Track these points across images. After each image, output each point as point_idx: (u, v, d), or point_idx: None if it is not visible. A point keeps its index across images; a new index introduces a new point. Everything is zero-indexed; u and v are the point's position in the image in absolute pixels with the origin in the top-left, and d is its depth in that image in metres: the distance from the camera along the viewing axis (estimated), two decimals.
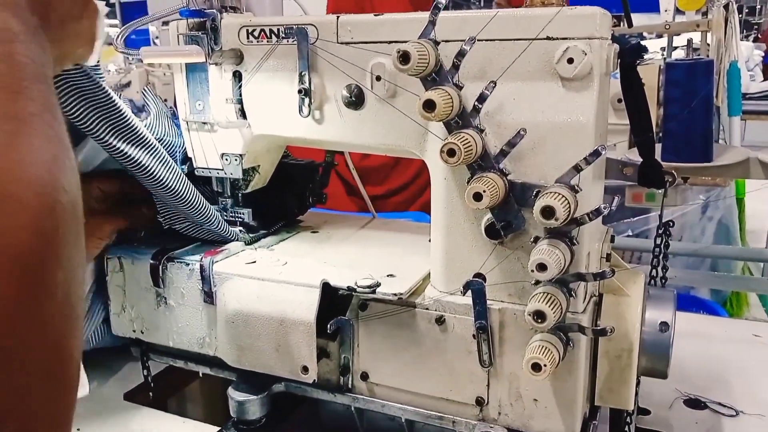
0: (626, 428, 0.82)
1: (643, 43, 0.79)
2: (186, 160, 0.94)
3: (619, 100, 2.12)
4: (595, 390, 0.76)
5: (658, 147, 1.66)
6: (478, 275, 0.73)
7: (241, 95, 0.86)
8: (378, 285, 0.75)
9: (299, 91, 0.80)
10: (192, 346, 0.88)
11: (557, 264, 0.62)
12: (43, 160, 0.33)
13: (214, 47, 0.84)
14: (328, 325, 0.77)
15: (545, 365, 0.63)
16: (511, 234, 0.70)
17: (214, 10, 0.84)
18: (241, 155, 0.89)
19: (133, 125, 0.80)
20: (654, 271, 0.92)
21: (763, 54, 4.50)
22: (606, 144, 0.71)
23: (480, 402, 0.75)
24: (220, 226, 0.90)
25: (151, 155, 0.81)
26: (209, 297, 0.84)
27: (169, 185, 0.83)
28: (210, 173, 0.92)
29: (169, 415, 0.95)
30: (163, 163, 0.83)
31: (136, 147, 0.80)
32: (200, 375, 0.95)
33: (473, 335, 0.73)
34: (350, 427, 0.86)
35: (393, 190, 1.81)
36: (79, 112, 0.75)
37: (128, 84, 3.71)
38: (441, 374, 0.76)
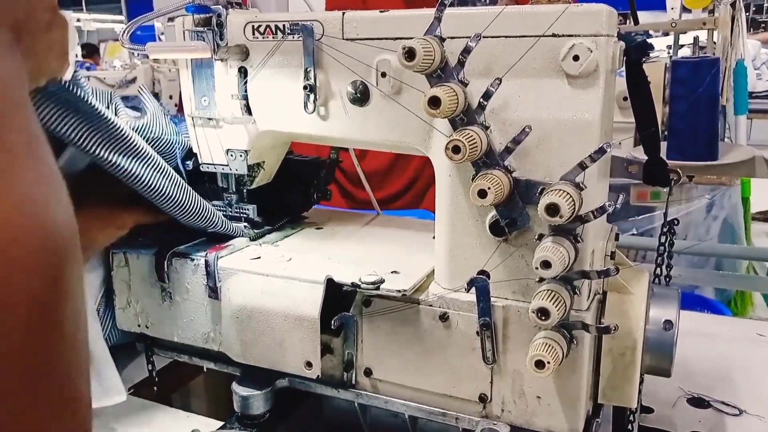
0: (629, 426, 0.82)
1: (648, 41, 0.79)
2: (189, 156, 0.94)
3: (625, 99, 2.12)
4: (598, 388, 0.76)
5: (663, 145, 1.66)
6: (482, 272, 0.73)
7: (246, 91, 0.86)
8: (382, 281, 0.75)
9: (304, 88, 0.80)
10: (196, 341, 0.89)
11: (561, 261, 0.62)
12: (40, 199, 0.32)
13: (219, 43, 0.84)
14: (332, 321, 0.77)
15: (549, 363, 0.63)
16: (516, 231, 0.70)
17: (220, 6, 0.84)
18: (246, 151, 0.89)
19: (123, 135, 0.77)
20: (658, 269, 0.91)
21: None
22: (611, 142, 0.71)
23: (483, 399, 0.75)
24: (223, 225, 0.90)
25: (144, 164, 0.79)
26: (214, 292, 0.84)
27: (166, 193, 0.81)
28: (215, 169, 0.93)
29: (174, 409, 0.96)
30: (159, 171, 0.81)
31: (128, 157, 0.78)
32: (204, 370, 0.96)
33: (477, 332, 0.73)
34: (353, 423, 0.86)
35: (391, 196, 1.81)
36: (66, 128, 0.73)
37: (133, 80, 3.72)
38: (444, 371, 0.76)
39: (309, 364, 0.79)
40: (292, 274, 0.80)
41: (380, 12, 0.76)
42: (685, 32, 3.41)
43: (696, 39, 2.17)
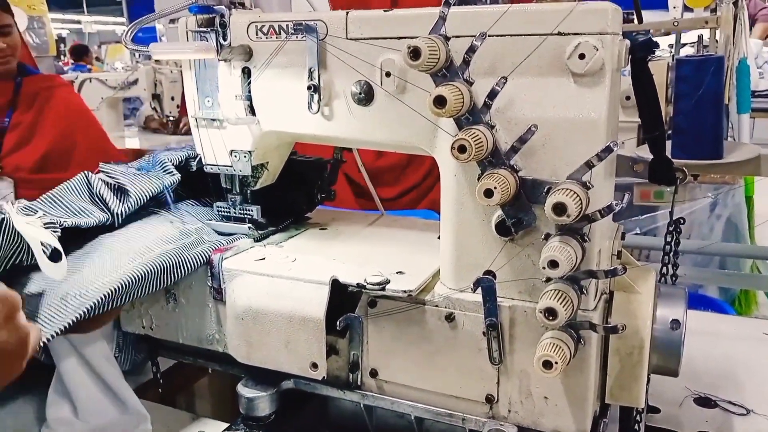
0: (636, 426, 0.82)
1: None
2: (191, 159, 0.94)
3: (628, 98, 2.12)
4: (605, 388, 0.75)
5: (668, 144, 1.65)
6: (488, 272, 0.72)
7: (250, 92, 0.86)
8: (387, 282, 0.75)
9: (308, 88, 0.80)
10: (201, 343, 0.88)
11: (569, 261, 0.62)
12: None
13: (223, 43, 0.84)
14: (338, 322, 0.77)
15: (556, 363, 0.63)
16: (522, 231, 0.69)
17: (223, 7, 0.84)
18: (250, 152, 0.89)
19: None
20: (664, 268, 0.91)
21: None
22: (617, 140, 0.71)
23: (490, 399, 0.75)
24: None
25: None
26: (218, 293, 0.84)
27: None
28: (219, 170, 0.92)
29: (179, 411, 0.95)
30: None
31: None
32: (209, 371, 0.95)
33: (483, 332, 0.73)
34: (359, 424, 0.86)
35: (406, 190, 1.80)
36: None
37: (135, 81, 3.72)
38: (451, 371, 0.76)
39: (314, 365, 0.78)
40: (296, 275, 0.80)
41: (384, 11, 0.76)
42: (687, 31, 3.40)
43: (700, 37, 2.16)
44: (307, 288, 0.78)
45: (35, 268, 0.74)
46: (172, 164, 0.94)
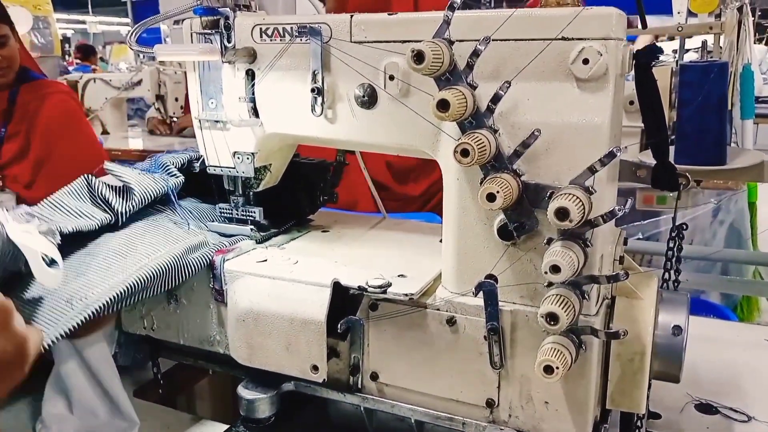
0: None
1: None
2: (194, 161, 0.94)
3: (631, 103, 2.11)
4: (606, 393, 0.75)
5: (671, 149, 1.65)
6: (490, 276, 0.72)
7: (254, 94, 0.86)
8: (389, 285, 0.75)
9: (312, 90, 0.80)
10: (202, 344, 0.88)
11: (571, 266, 0.62)
12: None
13: (227, 46, 0.84)
14: (339, 325, 0.77)
15: (558, 368, 0.63)
16: (524, 235, 0.69)
17: (228, 9, 0.84)
18: (253, 154, 0.89)
19: None
20: (666, 274, 0.91)
21: None
22: (620, 146, 0.71)
23: (490, 404, 0.75)
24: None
25: None
26: (220, 295, 0.84)
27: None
28: (222, 171, 0.93)
29: (179, 412, 0.95)
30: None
31: None
32: (210, 373, 0.95)
33: (484, 337, 0.73)
34: (359, 427, 0.86)
35: (430, 186, 1.75)
36: None
37: (139, 82, 3.73)
38: (451, 375, 0.76)
39: (315, 368, 0.78)
40: (298, 277, 0.80)
41: (388, 15, 0.76)
42: (690, 37, 3.40)
43: (704, 43, 2.16)
44: (308, 290, 0.78)
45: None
46: (175, 167, 0.94)
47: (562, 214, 0.60)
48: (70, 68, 5.76)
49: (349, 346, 0.81)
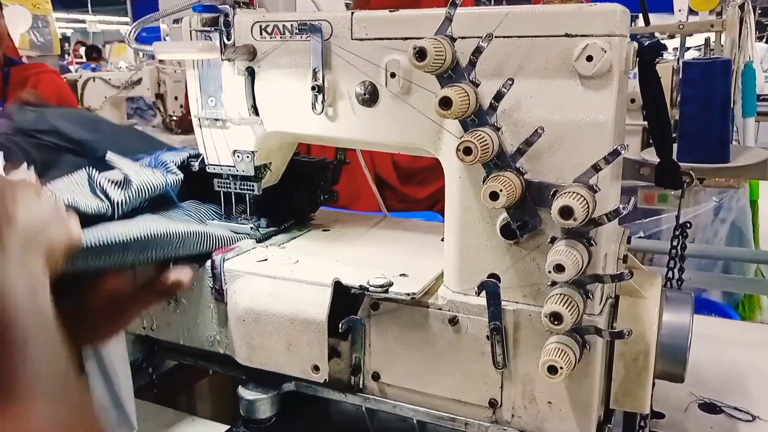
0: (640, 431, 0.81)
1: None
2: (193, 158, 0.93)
3: (633, 100, 2.10)
4: (610, 393, 0.74)
5: (674, 147, 1.64)
6: (493, 276, 0.72)
7: (253, 91, 0.85)
8: (390, 284, 0.74)
9: (312, 88, 0.80)
10: (202, 344, 0.88)
11: (575, 265, 0.61)
12: None
13: (226, 43, 0.83)
14: (340, 325, 0.76)
15: (561, 368, 0.62)
16: (527, 234, 0.69)
17: (227, 6, 0.83)
18: (253, 152, 0.89)
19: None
20: (670, 273, 0.90)
21: None
22: (624, 143, 0.70)
23: (493, 404, 0.74)
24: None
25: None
26: (220, 295, 0.83)
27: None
28: (221, 170, 0.92)
29: (179, 412, 0.95)
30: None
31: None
32: (210, 373, 0.95)
33: (487, 336, 0.72)
34: (361, 428, 0.85)
35: (436, 191, 1.74)
36: None
37: (139, 81, 3.72)
38: (454, 375, 0.75)
39: (316, 368, 0.78)
40: (299, 276, 0.79)
41: (389, 11, 0.75)
42: (691, 35, 3.39)
43: (707, 40, 2.15)
44: (309, 290, 0.77)
45: None
46: (175, 165, 0.93)
47: (566, 212, 0.60)
48: (71, 67, 5.75)
49: (351, 346, 0.80)
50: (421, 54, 0.62)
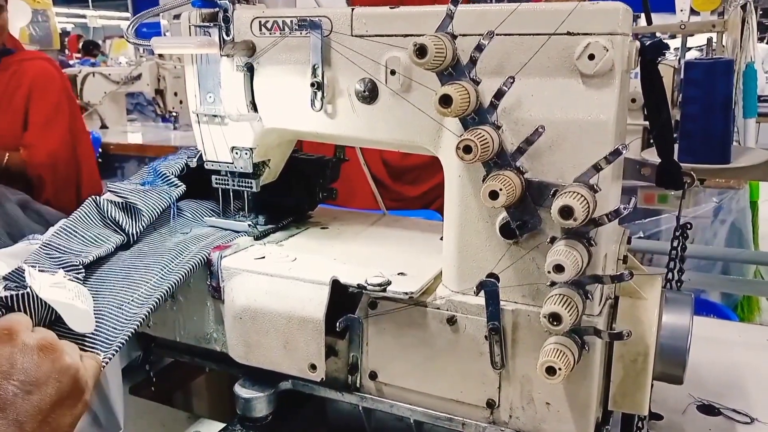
0: None
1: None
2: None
3: (633, 100, 2.09)
4: (608, 394, 0.74)
5: (675, 147, 1.63)
6: (492, 275, 0.71)
7: (252, 88, 0.84)
8: (389, 283, 0.74)
9: (312, 85, 0.79)
10: (199, 342, 0.87)
11: (574, 265, 0.60)
12: None
13: (226, 39, 0.83)
14: (337, 323, 0.75)
15: (560, 369, 0.62)
16: (527, 234, 0.68)
17: (227, 2, 0.83)
18: (251, 149, 0.88)
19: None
20: (670, 274, 0.90)
21: None
22: (625, 143, 0.69)
23: (491, 404, 0.74)
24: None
25: None
26: (217, 292, 0.83)
27: None
28: (220, 167, 0.91)
29: (175, 410, 0.94)
30: None
31: None
32: (206, 370, 0.94)
33: (485, 336, 0.71)
34: (358, 427, 0.85)
35: (430, 189, 1.74)
36: None
37: (138, 76, 3.71)
38: (451, 375, 0.75)
39: (313, 367, 0.77)
40: (296, 274, 0.79)
41: (390, 8, 0.74)
42: (692, 35, 3.39)
43: (709, 40, 2.15)
44: (306, 288, 0.77)
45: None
46: (174, 175, 0.93)
47: (567, 212, 0.59)
48: (71, 62, 5.74)
49: (348, 345, 0.80)
50: (421, 51, 0.61)
